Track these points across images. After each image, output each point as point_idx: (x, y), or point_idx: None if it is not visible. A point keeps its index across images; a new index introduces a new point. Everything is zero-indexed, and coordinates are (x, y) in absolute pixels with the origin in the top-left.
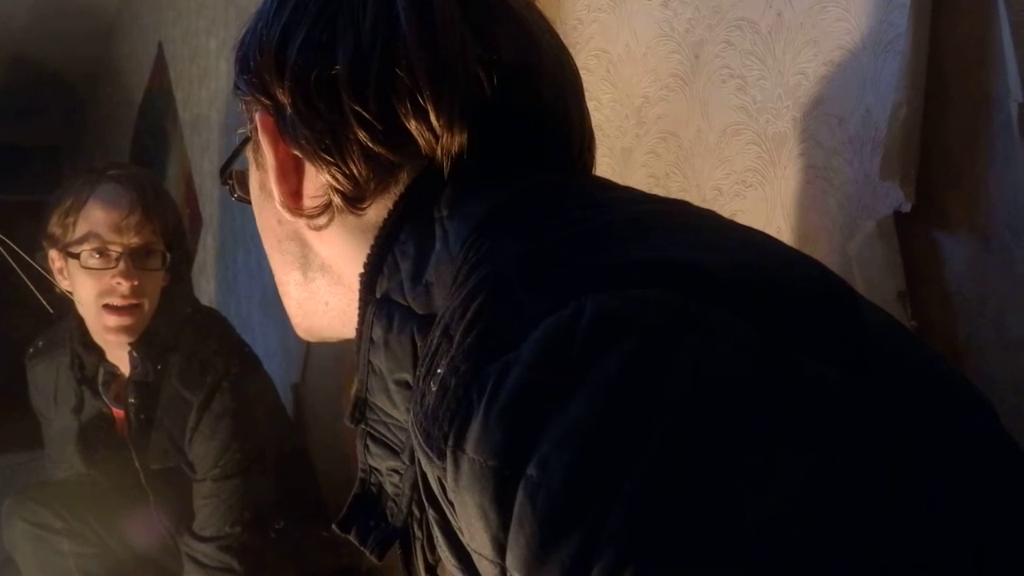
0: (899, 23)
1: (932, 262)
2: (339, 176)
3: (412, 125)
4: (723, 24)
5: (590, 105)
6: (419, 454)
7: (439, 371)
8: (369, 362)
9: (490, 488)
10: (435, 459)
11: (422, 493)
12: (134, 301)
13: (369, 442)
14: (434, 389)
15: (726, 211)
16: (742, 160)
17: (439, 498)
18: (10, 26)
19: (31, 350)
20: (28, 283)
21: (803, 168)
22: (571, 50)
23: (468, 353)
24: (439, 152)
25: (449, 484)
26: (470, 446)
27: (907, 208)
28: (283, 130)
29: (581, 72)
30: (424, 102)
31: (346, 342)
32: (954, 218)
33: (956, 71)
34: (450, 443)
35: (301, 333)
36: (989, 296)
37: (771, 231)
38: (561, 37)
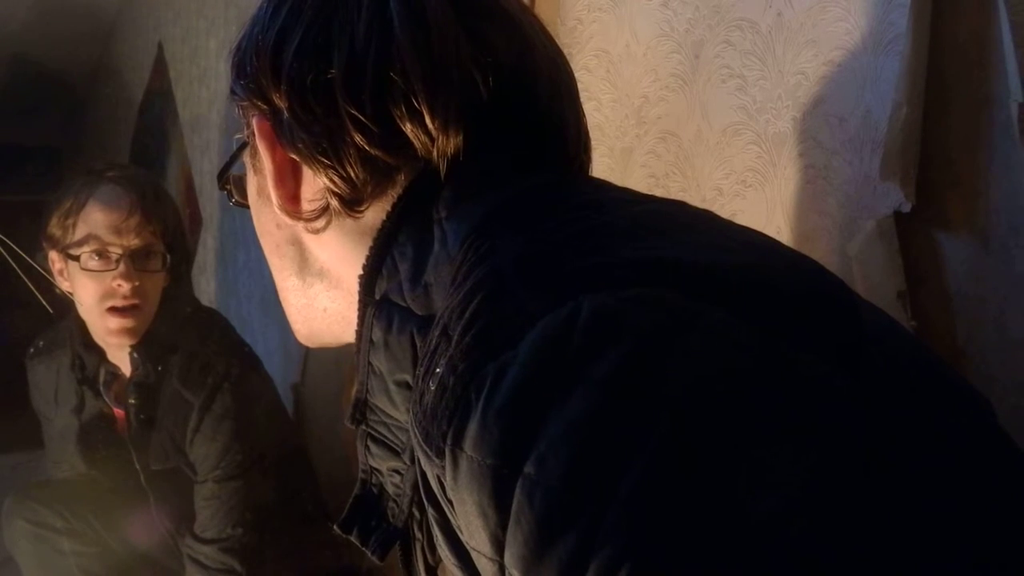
0: (899, 23)
1: (932, 262)
2: (336, 179)
3: (408, 127)
4: (723, 24)
5: (590, 105)
6: (418, 453)
7: (438, 370)
8: (369, 363)
9: (488, 486)
10: (434, 458)
11: (422, 492)
12: (135, 302)
13: (370, 443)
14: (433, 388)
15: (726, 211)
16: (742, 160)
17: (439, 497)
18: (10, 26)
19: (31, 350)
20: (28, 283)
21: (803, 168)
22: (571, 50)
23: (466, 352)
24: (435, 154)
25: (448, 483)
26: (468, 444)
27: (907, 208)
28: (280, 134)
29: (581, 72)
30: (419, 104)
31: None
32: (954, 218)
33: (956, 71)
34: (448, 442)
35: (302, 339)
36: (989, 296)
37: (771, 231)
38: (561, 37)
